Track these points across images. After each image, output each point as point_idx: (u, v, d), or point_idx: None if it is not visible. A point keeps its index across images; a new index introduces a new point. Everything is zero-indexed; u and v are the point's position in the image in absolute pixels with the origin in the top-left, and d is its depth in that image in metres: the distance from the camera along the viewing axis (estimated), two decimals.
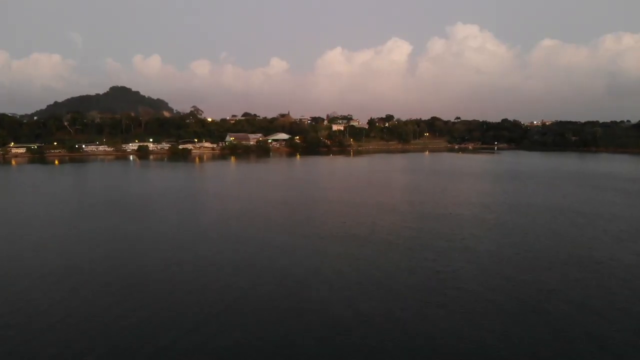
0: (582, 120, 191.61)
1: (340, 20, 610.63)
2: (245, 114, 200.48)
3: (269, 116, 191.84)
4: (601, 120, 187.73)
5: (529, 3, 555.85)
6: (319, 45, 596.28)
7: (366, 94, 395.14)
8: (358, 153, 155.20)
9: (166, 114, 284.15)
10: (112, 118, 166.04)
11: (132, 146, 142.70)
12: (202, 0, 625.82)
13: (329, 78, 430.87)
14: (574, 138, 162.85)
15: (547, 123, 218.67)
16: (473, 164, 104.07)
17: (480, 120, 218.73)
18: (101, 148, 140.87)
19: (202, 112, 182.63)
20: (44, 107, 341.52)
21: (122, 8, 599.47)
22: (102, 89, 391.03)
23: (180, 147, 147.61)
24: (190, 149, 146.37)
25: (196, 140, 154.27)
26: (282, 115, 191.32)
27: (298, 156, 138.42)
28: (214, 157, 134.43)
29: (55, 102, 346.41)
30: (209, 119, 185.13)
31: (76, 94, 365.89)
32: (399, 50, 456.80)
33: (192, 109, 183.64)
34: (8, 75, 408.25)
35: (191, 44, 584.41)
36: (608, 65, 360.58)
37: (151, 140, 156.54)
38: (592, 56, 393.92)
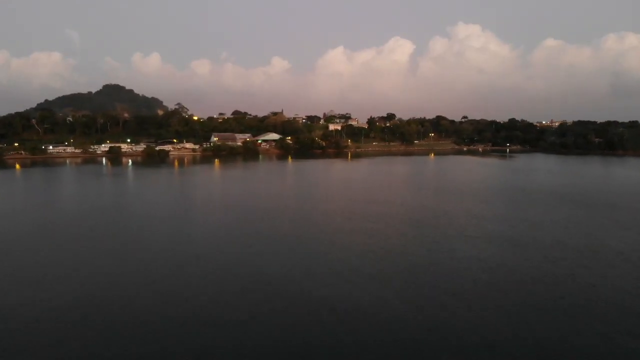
0: (588, 120, 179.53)
1: (342, 19, 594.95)
2: (235, 112, 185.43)
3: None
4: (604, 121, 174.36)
5: (530, 3, 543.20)
6: (320, 44, 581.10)
7: (367, 93, 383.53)
8: (356, 156, 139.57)
9: (160, 112, 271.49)
10: (87, 116, 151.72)
11: (103, 147, 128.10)
12: None
13: (331, 77, 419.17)
14: (597, 140, 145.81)
15: (557, 123, 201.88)
16: (488, 173, 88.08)
17: (489, 120, 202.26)
18: (69, 150, 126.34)
19: (188, 109, 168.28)
20: (34, 105, 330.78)
21: (121, 6, 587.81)
22: (99, 88, 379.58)
23: (158, 148, 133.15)
24: (168, 151, 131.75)
25: (175, 140, 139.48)
26: (274, 114, 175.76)
27: (290, 159, 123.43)
28: (194, 160, 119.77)
29: (46, 100, 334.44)
30: (195, 117, 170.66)
31: (70, 92, 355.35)
32: (400, 49, 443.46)
33: (177, 107, 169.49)
34: (7, 74, 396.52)
35: (191, 42, 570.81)
36: (612, 65, 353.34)
37: (129, 140, 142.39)
38: (595, 56, 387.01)
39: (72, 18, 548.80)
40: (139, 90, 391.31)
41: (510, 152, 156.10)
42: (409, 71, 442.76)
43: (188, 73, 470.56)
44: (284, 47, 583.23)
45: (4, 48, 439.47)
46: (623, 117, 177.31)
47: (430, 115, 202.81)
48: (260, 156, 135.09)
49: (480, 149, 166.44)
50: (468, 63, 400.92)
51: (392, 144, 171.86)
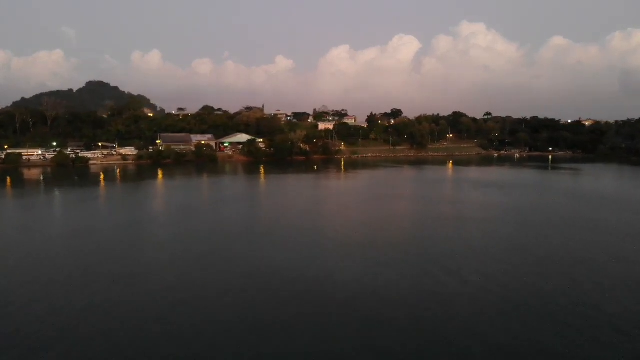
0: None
1: (346, 18, 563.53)
2: (205, 108, 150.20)
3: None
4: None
5: (534, 2, 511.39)
6: (324, 43, 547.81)
7: (371, 92, 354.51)
8: (351, 165, 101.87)
9: (147, 111, 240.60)
10: (3, 113, 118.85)
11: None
12: None
13: (334, 76, 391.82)
14: None
15: (588, 122, 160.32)
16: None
17: (515, 118, 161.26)
18: None
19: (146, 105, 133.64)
20: (9, 103, 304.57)
21: (120, 4, 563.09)
22: (82, 85, 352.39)
23: (80, 154, 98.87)
24: (89, 159, 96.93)
25: (100, 144, 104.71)
26: (249, 109, 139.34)
27: (262, 170, 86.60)
28: (126, 172, 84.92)
29: (23, 99, 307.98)
30: (150, 114, 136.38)
31: (49, 90, 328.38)
32: (405, 48, 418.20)
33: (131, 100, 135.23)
34: (7, 73, 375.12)
35: (193, 41, 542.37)
36: (620, 62, 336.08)
37: (54, 144, 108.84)
38: (602, 54, 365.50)
39: (69, 16, 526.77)
40: (134, 89, 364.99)
41: (553, 159, 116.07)
42: (413, 70, 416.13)
43: (189, 72, 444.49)
44: (287, 46, 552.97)
45: (6, 47, 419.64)
46: (635, 116, 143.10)
47: (440, 113, 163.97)
48: (226, 165, 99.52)
49: (517, 155, 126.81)
50: (473, 62, 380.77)
51: (398, 147, 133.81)
